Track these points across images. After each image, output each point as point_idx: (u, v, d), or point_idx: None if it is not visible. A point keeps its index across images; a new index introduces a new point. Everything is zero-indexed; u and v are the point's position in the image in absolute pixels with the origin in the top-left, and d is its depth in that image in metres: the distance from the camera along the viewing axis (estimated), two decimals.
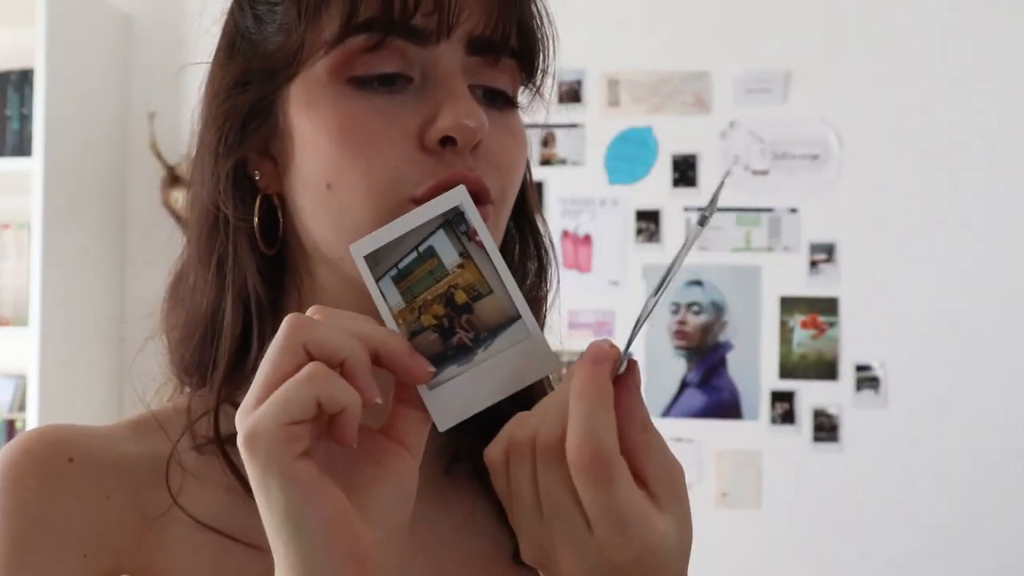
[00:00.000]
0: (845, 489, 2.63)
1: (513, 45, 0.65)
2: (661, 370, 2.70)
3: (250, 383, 0.53)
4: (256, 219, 0.67)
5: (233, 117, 0.66)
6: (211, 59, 0.70)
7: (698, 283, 2.71)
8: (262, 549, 0.58)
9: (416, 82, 0.63)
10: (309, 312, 0.53)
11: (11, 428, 2.64)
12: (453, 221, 0.54)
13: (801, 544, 2.64)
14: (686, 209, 2.72)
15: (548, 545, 0.54)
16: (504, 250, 0.71)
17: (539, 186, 2.68)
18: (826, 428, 2.65)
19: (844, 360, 2.65)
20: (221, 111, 0.67)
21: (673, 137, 2.73)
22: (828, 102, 2.69)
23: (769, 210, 2.69)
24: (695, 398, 2.69)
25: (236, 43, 0.68)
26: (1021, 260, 2.61)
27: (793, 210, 2.69)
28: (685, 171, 2.73)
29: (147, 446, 0.67)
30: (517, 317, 0.54)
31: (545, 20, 0.68)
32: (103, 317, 2.80)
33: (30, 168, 2.56)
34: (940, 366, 2.61)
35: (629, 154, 2.75)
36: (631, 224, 2.72)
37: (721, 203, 2.71)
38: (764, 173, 2.71)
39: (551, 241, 0.76)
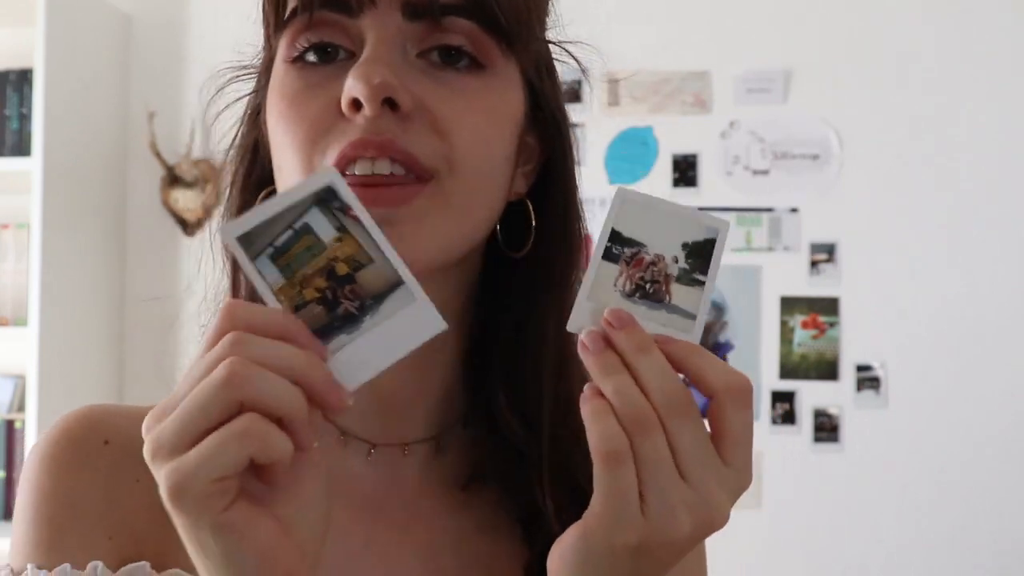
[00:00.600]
0: (845, 489, 2.63)
1: (451, 3, 0.61)
2: None
3: None
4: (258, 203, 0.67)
5: (249, 115, 0.71)
6: None
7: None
8: None
9: (358, 57, 0.61)
10: (227, 320, 0.50)
11: (10, 428, 2.64)
12: (326, 199, 0.53)
13: (801, 544, 2.64)
14: None
15: (705, 500, 0.54)
16: (534, 248, 0.69)
17: None
18: (827, 428, 2.64)
19: (845, 360, 2.65)
20: (246, 109, 0.71)
21: (673, 137, 2.73)
22: (828, 102, 2.68)
23: (769, 210, 2.69)
24: (695, 398, 2.69)
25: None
26: (1022, 260, 2.60)
27: (793, 210, 2.69)
28: (685, 171, 2.72)
29: None
30: (400, 283, 0.53)
31: None
32: (102, 317, 2.80)
33: (29, 168, 2.56)
34: (940, 366, 2.61)
35: (629, 154, 2.74)
36: None
37: (722, 203, 2.70)
38: (764, 173, 2.70)
39: (582, 235, 0.73)
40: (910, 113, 2.65)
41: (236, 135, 0.71)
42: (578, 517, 0.59)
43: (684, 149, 2.73)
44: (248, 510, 0.50)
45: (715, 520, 0.54)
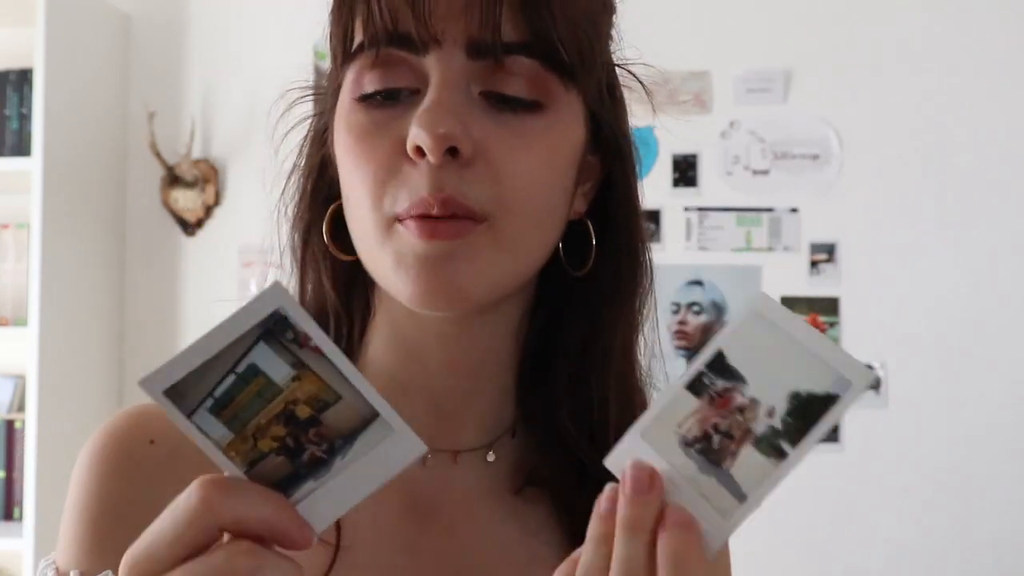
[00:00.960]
0: (845, 490, 2.63)
1: (514, 42, 0.61)
2: (661, 371, 2.69)
3: None
4: (325, 223, 0.69)
5: (316, 135, 0.72)
6: None
7: (698, 283, 2.70)
8: (324, 542, 0.64)
9: (422, 93, 0.62)
10: (205, 510, 0.46)
11: (10, 428, 2.64)
12: (275, 330, 0.45)
13: (801, 544, 2.64)
14: (686, 209, 2.71)
15: None
16: (596, 264, 0.70)
17: None
18: None
19: None
20: (312, 128, 0.73)
21: (673, 137, 2.72)
22: (828, 102, 2.68)
23: (770, 210, 2.69)
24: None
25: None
26: (1022, 260, 2.60)
27: (794, 210, 2.68)
28: (685, 171, 2.72)
29: None
30: (375, 416, 0.46)
31: (575, 12, 0.64)
32: (102, 317, 2.80)
33: (29, 168, 2.56)
34: (940, 366, 2.60)
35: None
36: None
37: (722, 203, 2.69)
38: (764, 173, 2.70)
39: (649, 261, 0.73)
40: (910, 113, 2.65)
41: (303, 152, 0.73)
42: None
43: (684, 149, 2.73)
44: None
45: None
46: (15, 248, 2.69)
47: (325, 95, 0.71)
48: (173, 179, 2.84)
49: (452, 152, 0.60)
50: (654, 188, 2.72)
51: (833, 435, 2.64)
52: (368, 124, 0.63)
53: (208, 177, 2.84)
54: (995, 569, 2.56)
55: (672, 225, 2.72)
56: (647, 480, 0.48)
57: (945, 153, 2.63)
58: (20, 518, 2.59)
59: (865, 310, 2.65)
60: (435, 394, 0.70)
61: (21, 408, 2.69)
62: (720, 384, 0.47)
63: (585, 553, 0.50)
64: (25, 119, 2.65)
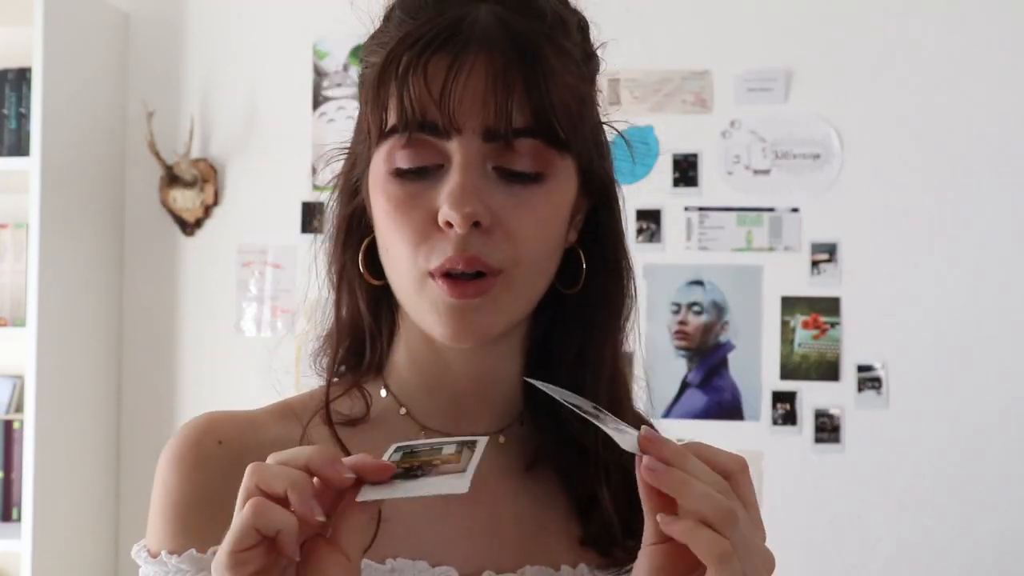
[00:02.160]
0: (847, 490, 2.62)
1: (521, 127, 0.75)
2: (662, 371, 2.69)
3: (366, 378, 0.86)
4: (360, 256, 0.84)
5: (348, 180, 0.86)
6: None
7: (699, 283, 2.70)
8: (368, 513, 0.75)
9: (445, 168, 0.76)
10: (268, 459, 0.66)
11: (9, 428, 2.63)
12: (467, 443, 0.70)
13: (801, 544, 2.63)
14: (687, 209, 2.71)
15: (767, 553, 0.68)
16: (587, 283, 0.86)
17: None
18: (828, 429, 2.64)
19: (846, 360, 2.64)
20: (344, 171, 0.87)
21: (674, 136, 2.72)
22: (829, 101, 2.68)
23: (770, 210, 2.68)
24: (696, 399, 2.69)
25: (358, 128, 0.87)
26: (1022, 260, 2.60)
27: (794, 210, 2.68)
28: (686, 170, 2.72)
29: (283, 430, 0.84)
30: (464, 471, 0.67)
31: (567, 95, 0.77)
32: (101, 317, 2.79)
33: (27, 168, 2.55)
34: (942, 366, 2.60)
35: (629, 153, 2.73)
36: (631, 224, 2.71)
37: (723, 203, 2.70)
38: (765, 172, 2.70)
39: (632, 280, 0.88)
40: (911, 112, 2.64)
41: (335, 204, 0.87)
42: (627, 498, 0.78)
43: (685, 149, 2.72)
44: None
45: (773, 564, 0.68)
46: (13, 248, 2.68)
47: (356, 159, 0.85)
48: (172, 179, 2.83)
49: (475, 225, 0.75)
50: (654, 188, 2.71)
51: (834, 435, 2.63)
52: (403, 195, 0.78)
53: (207, 177, 2.83)
54: (995, 569, 2.56)
55: (672, 225, 2.71)
56: (656, 434, 0.69)
57: (945, 153, 2.63)
58: (18, 519, 2.58)
59: (866, 310, 2.65)
60: (454, 393, 0.86)
61: (19, 408, 2.69)
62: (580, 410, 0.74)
63: (687, 494, 0.66)
64: (23, 118, 2.65)
